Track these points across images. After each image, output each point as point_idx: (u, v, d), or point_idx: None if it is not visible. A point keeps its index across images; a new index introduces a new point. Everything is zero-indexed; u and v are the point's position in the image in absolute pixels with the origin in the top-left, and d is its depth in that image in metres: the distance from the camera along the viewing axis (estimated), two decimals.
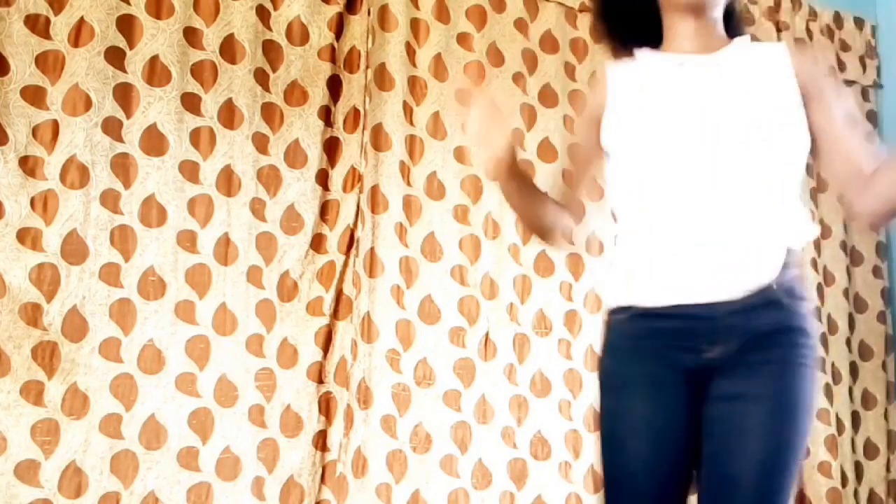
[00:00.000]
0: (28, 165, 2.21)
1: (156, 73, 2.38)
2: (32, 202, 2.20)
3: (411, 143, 2.71)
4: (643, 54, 1.44)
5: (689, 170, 1.30)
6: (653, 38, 1.44)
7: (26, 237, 2.19)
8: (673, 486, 1.32)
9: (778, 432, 1.25)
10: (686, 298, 1.28)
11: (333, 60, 2.64)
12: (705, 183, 1.28)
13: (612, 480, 1.34)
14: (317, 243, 2.56)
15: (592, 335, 2.87)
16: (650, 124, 1.34)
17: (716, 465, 1.28)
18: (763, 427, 1.25)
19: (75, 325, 2.21)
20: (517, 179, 1.44)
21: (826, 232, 3.44)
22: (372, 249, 2.60)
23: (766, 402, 1.26)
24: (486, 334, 2.73)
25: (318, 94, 2.60)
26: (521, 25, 2.96)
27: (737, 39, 1.42)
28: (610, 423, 1.36)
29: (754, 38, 1.44)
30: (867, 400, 3.41)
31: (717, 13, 1.40)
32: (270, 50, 2.56)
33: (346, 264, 2.57)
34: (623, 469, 1.32)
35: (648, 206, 1.34)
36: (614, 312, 1.39)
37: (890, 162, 1.27)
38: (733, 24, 1.45)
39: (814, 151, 1.36)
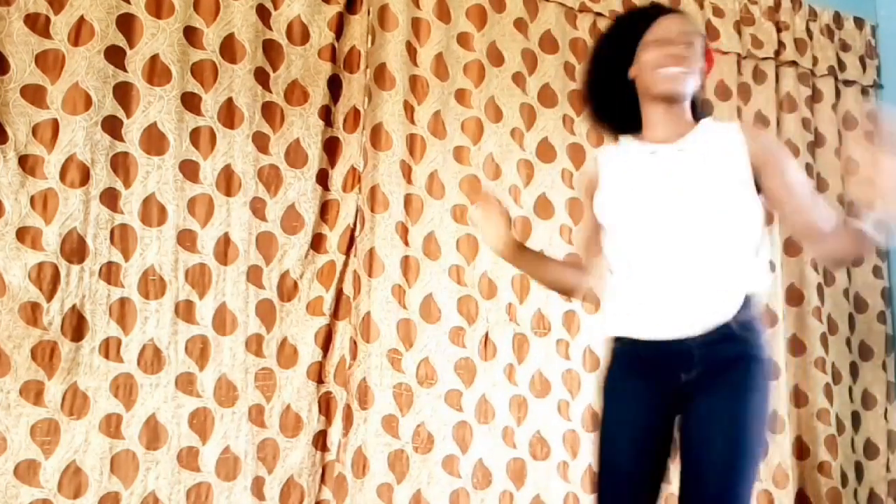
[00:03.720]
0: (28, 164, 2.21)
1: (156, 72, 2.38)
2: (32, 201, 2.20)
3: (412, 142, 2.71)
4: (625, 142, 1.79)
5: (661, 237, 1.66)
6: (634, 126, 1.77)
7: (26, 236, 2.18)
8: (645, 473, 1.67)
9: (732, 441, 1.58)
10: (661, 334, 1.65)
11: (334, 60, 2.64)
12: (674, 247, 1.65)
13: (601, 465, 1.71)
14: (317, 243, 2.56)
15: (590, 335, 2.87)
16: (630, 203, 1.71)
17: (689, 462, 1.62)
18: (720, 437, 1.58)
19: (75, 325, 2.21)
20: (525, 258, 1.89)
21: None
22: (372, 249, 2.60)
23: (724, 417, 1.59)
24: (486, 334, 2.73)
25: (319, 94, 2.60)
26: (521, 25, 2.96)
27: (700, 123, 1.74)
28: (605, 424, 1.73)
29: (715, 119, 1.78)
30: (867, 400, 3.41)
31: (685, 104, 1.74)
32: (271, 49, 2.56)
33: (346, 264, 2.57)
34: (610, 457, 1.70)
35: (633, 263, 1.70)
36: (613, 340, 1.75)
37: (839, 228, 1.61)
38: (697, 108, 1.78)
39: (777, 210, 1.70)
